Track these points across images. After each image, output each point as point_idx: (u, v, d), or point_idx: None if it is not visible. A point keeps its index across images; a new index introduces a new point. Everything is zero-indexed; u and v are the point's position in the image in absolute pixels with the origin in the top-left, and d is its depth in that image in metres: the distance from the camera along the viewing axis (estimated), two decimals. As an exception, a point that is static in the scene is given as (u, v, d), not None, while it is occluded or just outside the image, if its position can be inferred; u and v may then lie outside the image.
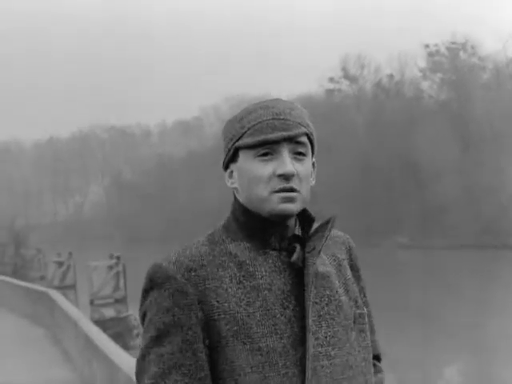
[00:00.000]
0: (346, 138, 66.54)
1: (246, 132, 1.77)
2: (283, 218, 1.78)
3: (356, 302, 1.87)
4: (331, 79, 75.41)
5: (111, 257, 40.68)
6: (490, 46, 73.01)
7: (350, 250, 1.95)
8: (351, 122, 69.27)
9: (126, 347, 15.13)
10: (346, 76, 74.72)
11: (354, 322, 1.83)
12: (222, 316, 1.71)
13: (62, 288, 36.90)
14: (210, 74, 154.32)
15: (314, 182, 1.86)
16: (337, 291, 1.82)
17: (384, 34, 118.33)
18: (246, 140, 1.77)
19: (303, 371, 1.71)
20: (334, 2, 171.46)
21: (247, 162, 1.78)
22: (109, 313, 30.35)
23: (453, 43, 70.44)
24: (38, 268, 44.69)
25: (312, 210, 1.88)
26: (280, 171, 1.74)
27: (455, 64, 69.19)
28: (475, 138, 61.21)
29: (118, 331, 20.92)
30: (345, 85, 75.51)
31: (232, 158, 1.82)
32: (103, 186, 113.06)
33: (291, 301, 1.75)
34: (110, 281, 38.67)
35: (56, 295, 17.47)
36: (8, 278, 25.93)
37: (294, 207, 1.76)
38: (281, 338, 1.71)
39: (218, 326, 1.71)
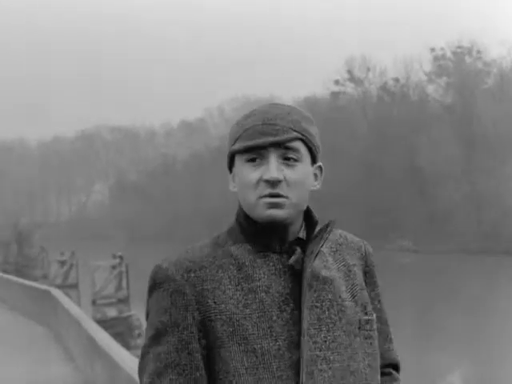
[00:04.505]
0: (351, 140, 66.49)
1: (239, 136, 1.80)
2: (272, 223, 1.78)
3: (365, 307, 1.86)
4: (336, 81, 75.33)
5: (114, 256, 40.71)
6: (496, 51, 72.83)
7: (365, 256, 1.95)
8: (356, 125, 69.24)
9: (127, 347, 15.13)
10: (352, 79, 74.65)
11: (360, 328, 1.82)
12: (218, 317, 1.73)
13: (64, 287, 36.87)
14: (215, 76, 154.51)
15: (319, 187, 1.86)
16: (340, 296, 1.81)
17: (390, 37, 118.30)
18: (238, 145, 1.79)
19: (299, 374, 1.71)
20: (339, 3, 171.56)
21: (240, 167, 1.80)
22: (111, 312, 30.38)
23: (459, 47, 70.43)
24: (40, 267, 44.66)
25: (322, 215, 1.88)
26: (265, 177, 1.75)
27: (461, 68, 69.16)
28: (480, 142, 61.15)
29: (119, 331, 20.93)
30: (350, 87, 75.50)
31: (230, 162, 1.85)
32: (107, 186, 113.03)
33: (289, 304, 1.76)
34: (113, 280, 38.71)
35: (58, 294, 17.50)
36: (11, 277, 26.00)
37: (283, 213, 1.76)
38: (276, 341, 1.72)
39: (215, 326, 1.73)
